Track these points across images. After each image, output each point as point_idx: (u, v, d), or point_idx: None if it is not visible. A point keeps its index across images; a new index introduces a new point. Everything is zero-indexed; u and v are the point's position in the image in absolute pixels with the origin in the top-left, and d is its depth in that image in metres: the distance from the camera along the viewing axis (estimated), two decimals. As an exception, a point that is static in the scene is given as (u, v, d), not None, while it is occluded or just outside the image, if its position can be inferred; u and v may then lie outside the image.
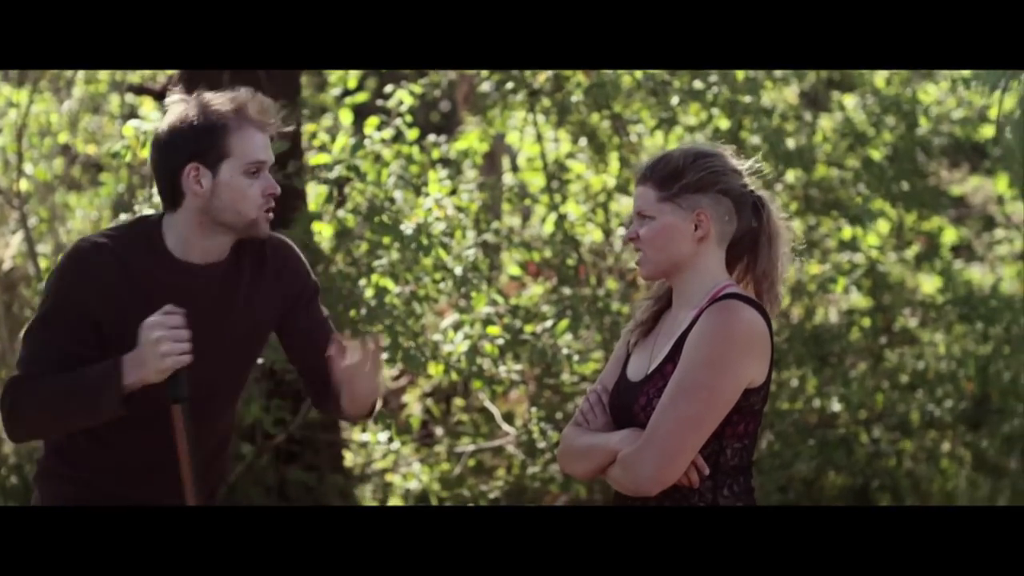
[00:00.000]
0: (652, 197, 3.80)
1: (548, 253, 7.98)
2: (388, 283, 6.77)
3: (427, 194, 6.96)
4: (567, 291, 7.52)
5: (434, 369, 6.92)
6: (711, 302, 3.75)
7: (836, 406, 8.20)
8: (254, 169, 3.98)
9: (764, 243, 3.87)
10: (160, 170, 4.02)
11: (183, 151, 3.96)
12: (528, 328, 7.18)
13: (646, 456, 3.68)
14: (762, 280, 3.88)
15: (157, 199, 6.42)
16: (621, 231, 8.34)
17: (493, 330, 6.88)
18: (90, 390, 3.84)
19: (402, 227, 6.64)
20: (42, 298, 3.97)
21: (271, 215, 4.04)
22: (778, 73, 8.23)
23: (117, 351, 3.87)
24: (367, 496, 8.53)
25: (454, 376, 7.11)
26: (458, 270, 6.82)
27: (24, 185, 8.61)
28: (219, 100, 4.00)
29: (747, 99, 7.61)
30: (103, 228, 4.17)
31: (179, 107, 4.02)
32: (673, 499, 3.74)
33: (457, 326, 6.99)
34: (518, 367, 7.39)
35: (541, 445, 7.60)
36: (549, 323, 7.19)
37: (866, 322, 8.54)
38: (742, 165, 3.91)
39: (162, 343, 3.77)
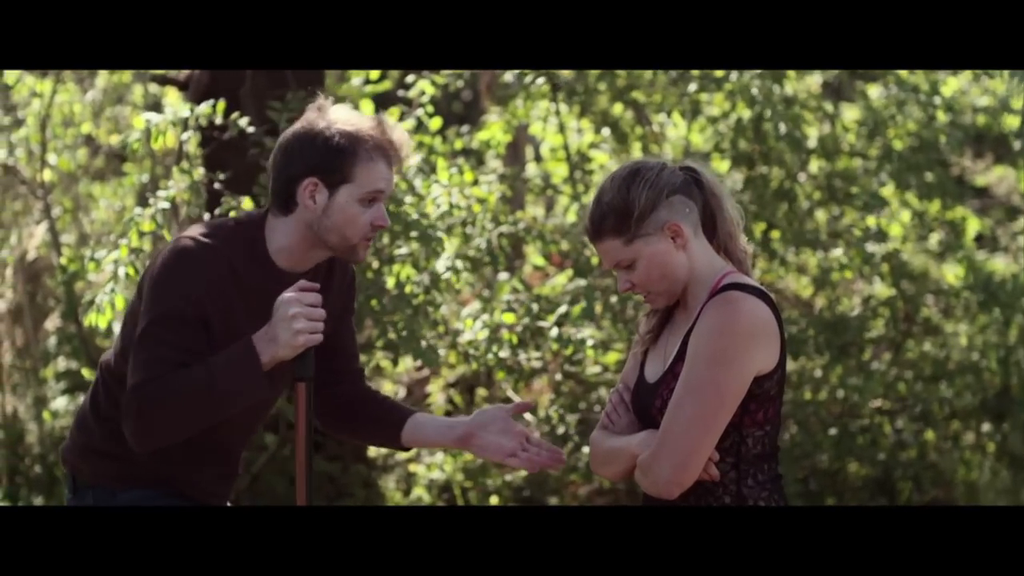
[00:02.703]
0: (619, 246, 3.75)
1: (566, 245, 7.98)
2: (410, 271, 6.76)
3: (437, 181, 6.95)
4: (582, 282, 7.51)
5: (452, 357, 6.93)
6: (712, 295, 3.74)
7: (857, 396, 8.19)
8: (371, 198, 3.95)
9: (714, 205, 3.85)
10: (279, 173, 3.97)
11: (307, 163, 3.92)
12: (549, 318, 7.18)
13: (661, 460, 3.66)
14: (727, 240, 3.86)
15: (171, 192, 6.47)
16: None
17: (509, 317, 6.87)
18: (230, 374, 3.79)
19: (414, 216, 6.63)
20: (149, 299, 3.88)
21: (371, 243, 4.03)
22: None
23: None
24: (391, 486, 8.55)
25: (474, 366, 7.11)
26: (455, 264, 6.79)
27: (48, 175, 8.63)
28: (357, 122, 3.95)
29: (758, 86, 7.58)
30: (202, 225, 4.11)
31: (315, 117, 3.97)
32: (697, 495, 3.72)
33: (475, 315, 6.99)
34: (538, 355, 7.39)
35: (561, 430, 7.61)
36: (563, 309, 7.15)
37: (886, 311, 8.52)
38: (655, 156, 3.90)
39: (297, 320, 3.73)
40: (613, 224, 3.75)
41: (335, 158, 3.91)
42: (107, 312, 6.12)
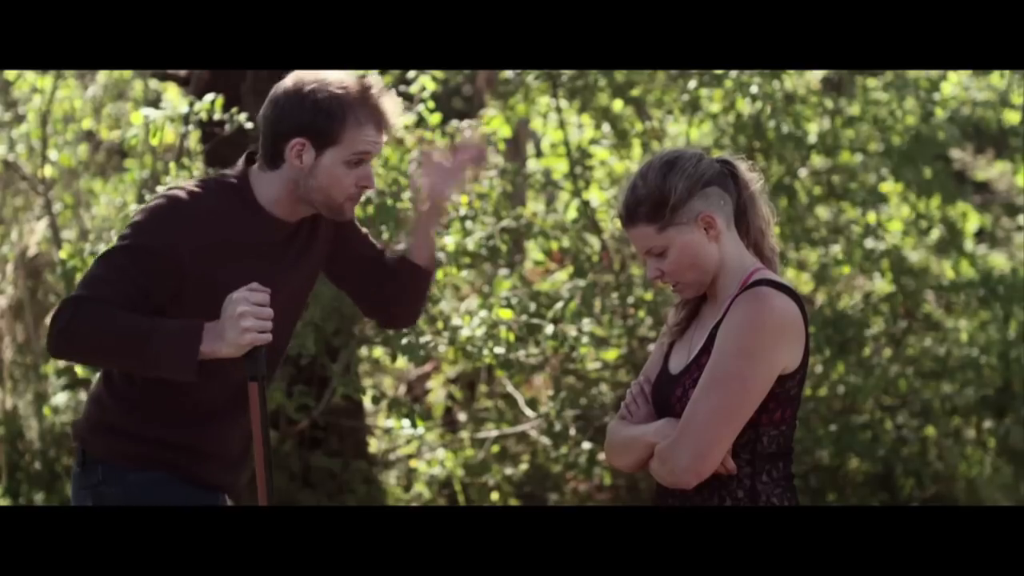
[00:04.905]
0: (652, 232, 3.74)
1: (566, 241, 7.98)
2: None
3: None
4: (581, 282, 7.51)
5: (451, 354, 6.93)
6: (742, 290, 3.73)
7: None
8: (357, 160, 3.97)
9: (748, 200, 3.85)
10: (268, 129, 3.99)
11: (295, 122, 3.94)
12: (549, 313, 7.18)
13: (681, 449, 3.65)
14: (758, 237, 3.86)
15: (172, 178, 6.48)
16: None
17: (506, 313, 6.87)
18: (166, 342, 3.77)
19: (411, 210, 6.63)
20: (127, 232, 3.89)
21: (356, 202, 4.05)
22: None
23: (198, 302, 3.85)
24: (391, 482, 8.55)
25: (473, 363, 7.10)
26: (456, 259, 6.79)
27: (49, 171, 8.64)
28: (347, 85, 3.96)
29: (757, 83, 7.58)
30: (191, 179, 4.13)
31: (309, 75, 3.99)
32: (712, 487, 3.71)
33: (474, 312, 6.99)
34: (536, 351, 7.40)
35: (558, 428, 7.61)
36: (560, 305, 7.15)
37: (885, 307, 8.53)
38: (692, 148, 3.90)
39: (245, 318, 3.72)
40: (647, 211, 3.75)
41: (323, 120, 3.92)
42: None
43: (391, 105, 4.00)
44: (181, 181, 4.06)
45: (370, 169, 4.01)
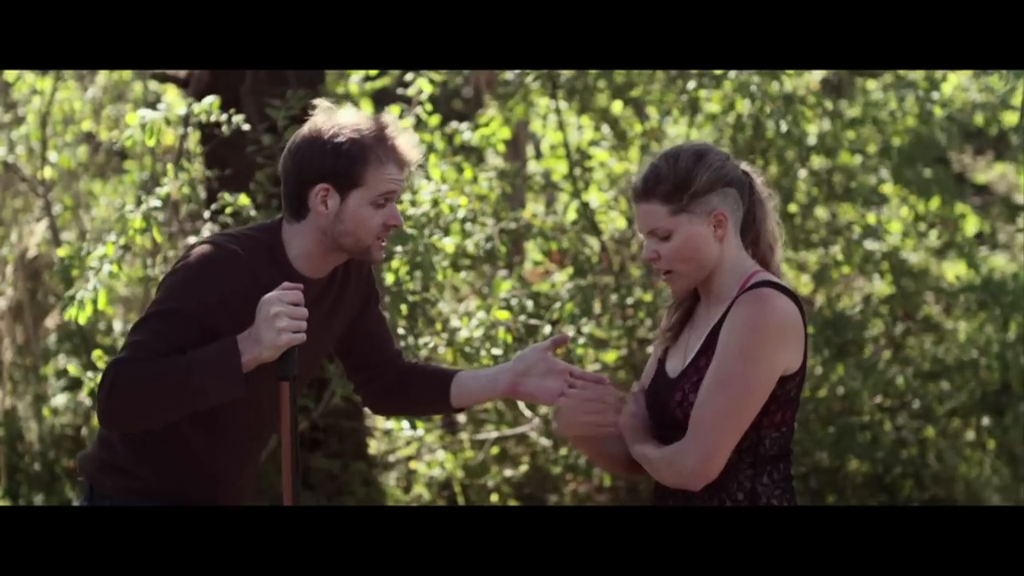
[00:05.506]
0: (663, 213, 3.75)
1: (566, 243, 7.98)
2: (405, 268, 6.76)
3: (430, 178, 6.95)
4: (582, 282, 7.51)
5: (450, 356, 6.93)
6: (741, 292, 3.73)
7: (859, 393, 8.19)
8: (382, 200, 3.96)
9: (759, 214, 3.86)
10: (290, 179, 3.98)
11: (317, 169, 3.92)
12: (548, 315, 7.18)
13: (689, 452, 3.66)
14: (767, 252, 3.87)
15: (165, 190, 6.47)
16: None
17: (503, 314, 6.88)
18: (206, 368, 3.77)
19: (410, 212, 6.63)
20: (163, 292, 3.90)
21: (384, 243, 4.03)
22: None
23: None
24: (391, 483, 8.55)
25: (474, 365, 7.10)
26: (453, 261, 6.79)
27: (48, 173, 8.64)
28: (365, 126, 3.95)
29: (756, 83, 7.59)
30: (224, 233, 4.12)
31: (323, 121, 3.97)
32: (712, 489, 3.72)
33: (472, 313, 6.99)
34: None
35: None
36: (558, 307, 7.15)
37: (884, 309, 8.53)
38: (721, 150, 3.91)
39: (280, 319, 3.72)
40: (666, 190, 3.76)
41: (345, 163, 3.91)
42: (87, 308, 6.11)
43: (409, 142, 3.99)
44: (214, 235, 4.04)
45: (396, 208, 4.00)
